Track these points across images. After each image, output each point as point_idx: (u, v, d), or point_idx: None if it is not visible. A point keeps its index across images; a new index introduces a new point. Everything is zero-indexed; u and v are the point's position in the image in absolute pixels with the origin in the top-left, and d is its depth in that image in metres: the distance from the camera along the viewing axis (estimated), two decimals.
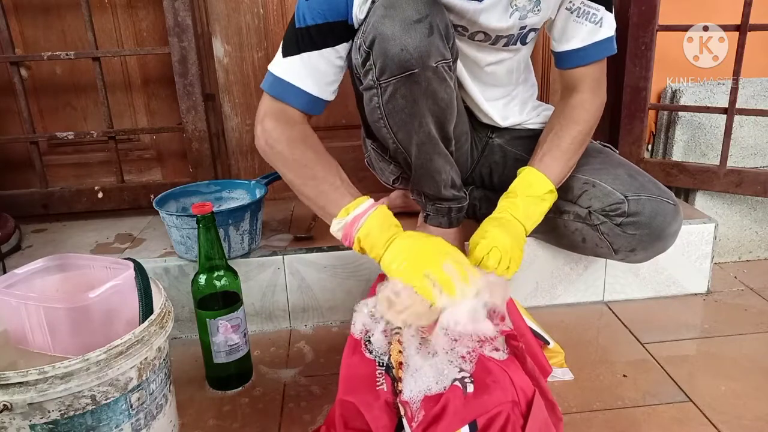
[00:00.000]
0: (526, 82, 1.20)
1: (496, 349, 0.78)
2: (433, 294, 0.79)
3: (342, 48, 0.95)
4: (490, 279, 0.86)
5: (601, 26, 1.00)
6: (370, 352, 0.81)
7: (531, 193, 0.98)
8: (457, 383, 0.72)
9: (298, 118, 0.98)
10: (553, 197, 1.01)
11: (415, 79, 0.90)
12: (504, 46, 1.05)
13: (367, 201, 0.90)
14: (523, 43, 1.06)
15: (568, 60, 1.04)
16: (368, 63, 0.92)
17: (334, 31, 0.93)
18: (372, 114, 0.99)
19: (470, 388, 0.71)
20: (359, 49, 0.92)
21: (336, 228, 0.90)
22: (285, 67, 0.95)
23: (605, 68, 1.06)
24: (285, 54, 0.95)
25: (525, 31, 1.03)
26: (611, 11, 1.00)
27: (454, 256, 0.84)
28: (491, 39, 1.02)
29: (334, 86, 0.98)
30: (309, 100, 0.96)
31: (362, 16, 0.92)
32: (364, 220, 0.88)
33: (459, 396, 0.70)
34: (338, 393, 0.74)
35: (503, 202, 1.00)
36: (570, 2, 1.00)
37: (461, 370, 0.75)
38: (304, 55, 0.94)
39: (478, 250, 0.93)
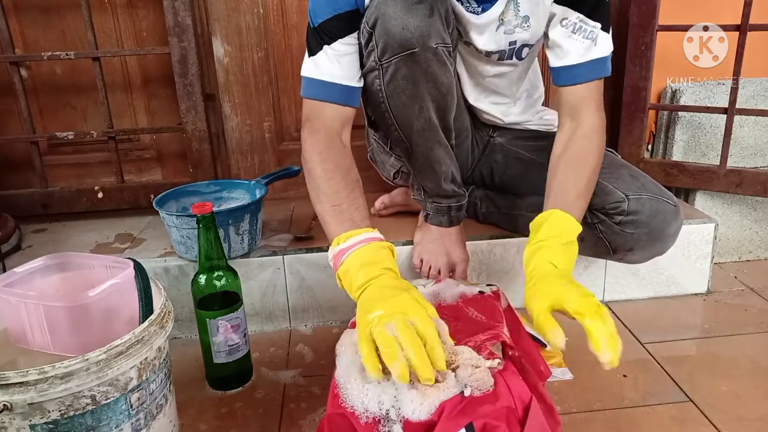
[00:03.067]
0: (533, 88, 1.20)
1: (492, 355, 0.77)
2: (374, 366, 0.68)
3: (357, 35, 0.95)
4: (465, 358, 0.72)
5: (596, 44, 0.97)
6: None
7: (564, 239, 0.86)
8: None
9: (335, 119, 0.95)
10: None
11: (416, 59, 0.92)
12: (499, 60, 1.05)
13: (359, 235, 0.82)
14: (519, 58, 1.06)
15: (564, 77, 1.00)
16: (371, 44, 0.93)
17: (345, 20, 0.93)
18: (374, 98, 1.00)
19: (467, 392, 0.71)
20: (363, 30, 0.94)
21: (329, 257, 0.86)
22: (312, 67, 0.95)
23: (601, 90, 1.01)
24: (309, 54, 0.96)
25: (516, 46, 1.03)
26: (608, 32, 0.98)
27: (416, 317, 0.69)
28: (483, 52, 1.03)
29: (358, 70, 0.97)
30: (341, 90, 0.95)
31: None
32: (346, 256, 0.81)
33: (455, 400, 0.69)
34: (327, 407, 0.73)
35: (541, 251, 0.85)
36: (565, 18, 0.98)
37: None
38: (327, 48, 0.94)
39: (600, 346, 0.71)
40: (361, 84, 0.97)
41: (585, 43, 0.97)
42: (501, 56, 1.04)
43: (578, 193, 0.93)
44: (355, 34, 0.95)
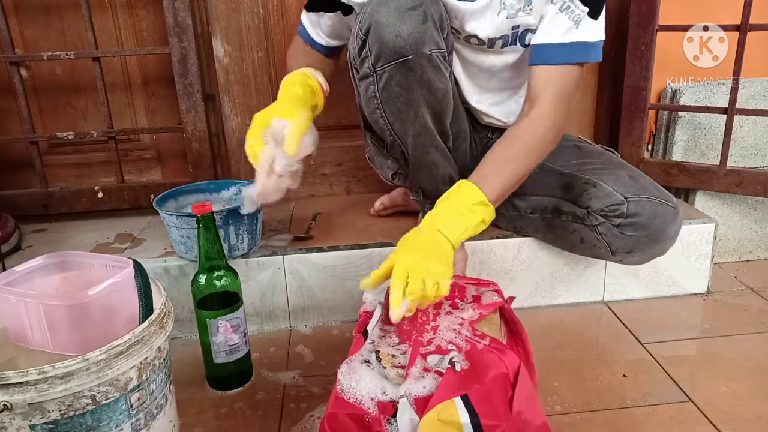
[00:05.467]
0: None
1: (483, 336, 0.80)
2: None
3: (327, 17, 1.12)
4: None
5: (577, 28, 0.95)
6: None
7: (459, 203, 0.89)
8: (449, 365, 0.73)
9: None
10: (486, 210, 0.89)
11: (410, 66, 0.92)
12: (502, 47, 1.04)
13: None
14: (523, 45, 1.05)
15: (536, 55, 0.98)
16: (364, 51, 0.94)
17: (323, 3, 1.11)
18: (369, 104, 1.00)
19: (459, 366, 0.72)
20: (356, 38, 0.94)
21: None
22: (303, 16, 1.17)
23: (575, 80, 0.98)
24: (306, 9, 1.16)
25: (519, 31, 1.02)
26: (595, 18, 0.95)
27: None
28: (486, 43, 1.02)
29: (322, 32, 1.16)
30: (309, 39, 1.18)
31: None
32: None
33: (450, 373, 0.71)
34: (329, 406, 0.73)
35: (428, 214, 0.90)
36: None
37: (452, 350, 0.77)
38: (309, 13, 1.15)
39: (395, 279, 0.81)
40: (321, 42, 1.17)
41: (567, 23, 0.95)
42: (504, 42, 1.03)
43: (495, 167, 0.93)
44: (323, 15, 1.12)
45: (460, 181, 0.92)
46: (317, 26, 1.16)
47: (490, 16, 0.98)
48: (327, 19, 1.14)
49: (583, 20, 0.95)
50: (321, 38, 1.18)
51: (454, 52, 1.06)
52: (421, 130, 0.99)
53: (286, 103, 1.00)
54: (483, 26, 0.99)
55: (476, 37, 1.01)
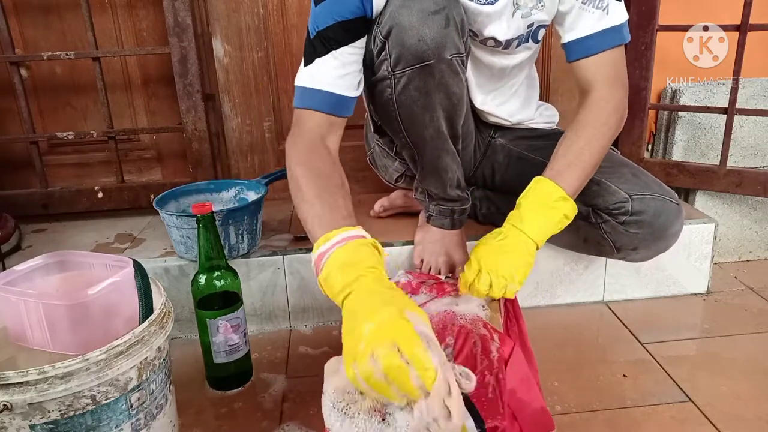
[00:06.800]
0: (531, 79, 1.20)
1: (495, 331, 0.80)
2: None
3: (359, 43, 0.92)
4: (452, 369, 0.65)
5: (607, 13, 0.95)
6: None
7: (538, 201, 0.89)
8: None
9: (322, 126, 0.92)
10: (567, 204, 0.89)
11: (430, 71, 0.91)
12: (517, 46, 1.04)
13: (337, 235, 0.74)
14: (536, 41, 1.05)
15: (576, 50, 0.98)
16: (383, 53, 0.92)
17: (347, 29, 0.90)
18: (383, 106, 0.99)
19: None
20: (375, 39, 0.92)
21: (312, 264, 0.77)
22: (307, 75, 0.92)
23: (621, 62, 0.98)
24: (305, 64, 0.92)
25: (534, 28, 1.02)
26: (620, 0, 0.96)
27: (402, 342, 0.61)
28: (503, 44, 1.02)
29: (356, 79, 0.93)
30: (333, 100, 0.91)
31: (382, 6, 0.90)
32: (325, 259, 0.72)
33: None
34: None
35: (510, 214, 0.91)
36: None
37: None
38: (324, 58, 0.90)
39: (467, 274, 0.88)
40: (357, 94, 0.94)
41: (596, 13, 0.95)
42: (519, 41, 1.03)
43: (568, 161, 0.92)
44: (355, 44, 0.92)
45: (537, 177, 0.91)
46: (345, 74, 0.91)
47: (507, 18, 0.98)
48: (360, 45, 0.93)
49: (610, 4, 0.95)
50: (353, 88, 0.93)
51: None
52: (435, 134, 0.99)
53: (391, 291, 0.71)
54: (501, 28, 0.98)
55: (494, 39, 1.00)
